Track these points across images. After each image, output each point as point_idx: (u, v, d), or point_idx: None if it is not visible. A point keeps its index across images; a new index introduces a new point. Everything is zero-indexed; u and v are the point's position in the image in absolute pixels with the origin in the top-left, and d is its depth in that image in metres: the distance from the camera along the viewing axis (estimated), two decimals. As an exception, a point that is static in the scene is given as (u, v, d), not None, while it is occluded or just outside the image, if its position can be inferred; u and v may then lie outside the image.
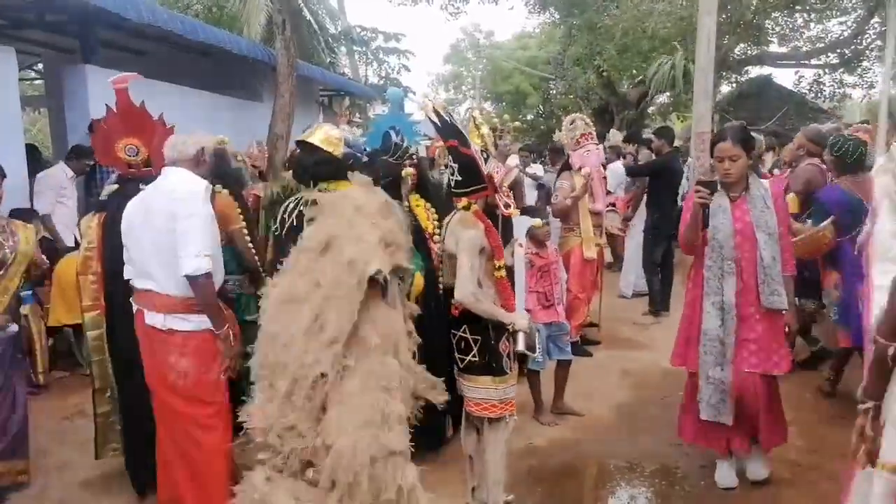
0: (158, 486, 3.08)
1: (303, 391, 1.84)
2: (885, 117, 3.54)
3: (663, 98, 19.10)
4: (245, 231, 3.80)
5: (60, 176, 6.12)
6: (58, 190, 6.02)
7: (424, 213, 3.91)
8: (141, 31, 7.90)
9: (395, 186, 3.69)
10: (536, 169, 9.00)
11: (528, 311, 3.00)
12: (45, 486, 3.64)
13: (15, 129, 6.21)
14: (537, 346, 3.03)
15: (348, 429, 1.74)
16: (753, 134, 3.65)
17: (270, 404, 1.96)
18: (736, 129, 3.28)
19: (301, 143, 3.14)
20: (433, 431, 3.97)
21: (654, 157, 7.57)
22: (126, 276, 3.08)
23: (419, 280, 3.35)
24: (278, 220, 3.10)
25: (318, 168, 3.00)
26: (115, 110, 3.48)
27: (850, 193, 4.16)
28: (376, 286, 1.91)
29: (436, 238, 3.87)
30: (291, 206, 3.07)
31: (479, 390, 2.93)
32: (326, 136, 3.04)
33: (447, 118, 2.91)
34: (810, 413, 4.33)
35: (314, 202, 2.45)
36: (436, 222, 3.87)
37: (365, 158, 3.65)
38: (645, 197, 7.41)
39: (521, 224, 3.01)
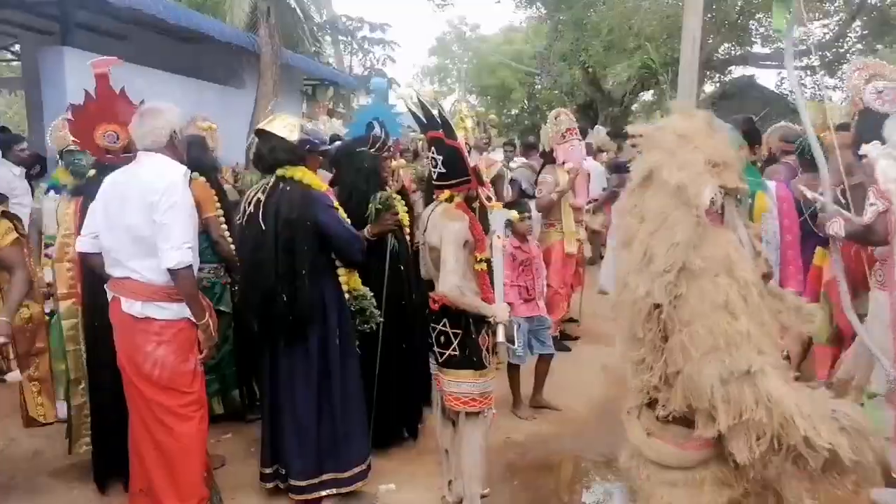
0: (130, 477, 3.01)
1: (640, 324, 1.85)
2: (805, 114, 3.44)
3: (648, 96, 19.20)
4: (222, 220, 3.77)
5: (6, 174, 5.64)
6: (9, 191, 5.33)
7: (402, 208, 3.91)
8: (122, 14, 7.77)
9: (373, 177, 3.67)
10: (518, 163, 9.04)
11: (509, 304, 2.98)
12: (15, 475, 3.59)
13: (-11, 110, 6.09)
14: (517, 339, 3.02)
15: (692, 355, 1.73)
16: None
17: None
18: (740, 118, 3.03)
19: (258, 132, 3.22)
20: (410, 421, 3.97)
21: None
22: (79, 249, 2.99)
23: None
24: (241, 210, 3.14)
25: (273, 154, 3.09)
26: (93, 95, 3.39)
27: (792, 190, 4.18)
28: (711, 213, 1.85)
29: (406, 232, 3.86)
30: (252, 194, 3.14)
31: (460, 384, 2.91)
32: (282, 122, 3.12)
33: (434, 109, 2.89)
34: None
35: (635, 138, 2.32)
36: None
37: (323, 147, 3.68)
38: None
39: (498, 217, 3.01)
